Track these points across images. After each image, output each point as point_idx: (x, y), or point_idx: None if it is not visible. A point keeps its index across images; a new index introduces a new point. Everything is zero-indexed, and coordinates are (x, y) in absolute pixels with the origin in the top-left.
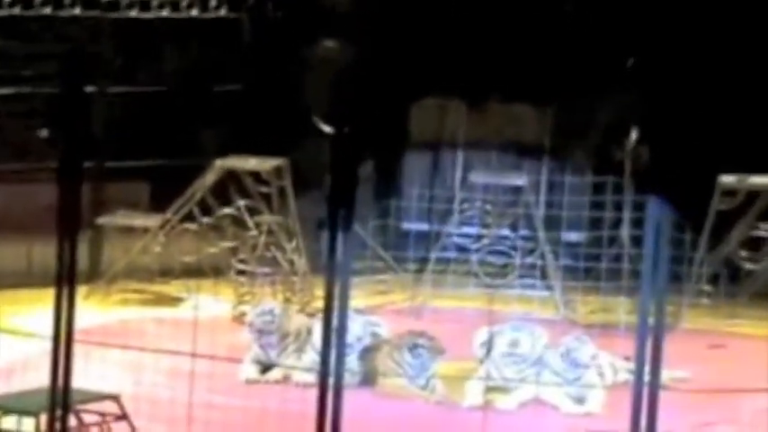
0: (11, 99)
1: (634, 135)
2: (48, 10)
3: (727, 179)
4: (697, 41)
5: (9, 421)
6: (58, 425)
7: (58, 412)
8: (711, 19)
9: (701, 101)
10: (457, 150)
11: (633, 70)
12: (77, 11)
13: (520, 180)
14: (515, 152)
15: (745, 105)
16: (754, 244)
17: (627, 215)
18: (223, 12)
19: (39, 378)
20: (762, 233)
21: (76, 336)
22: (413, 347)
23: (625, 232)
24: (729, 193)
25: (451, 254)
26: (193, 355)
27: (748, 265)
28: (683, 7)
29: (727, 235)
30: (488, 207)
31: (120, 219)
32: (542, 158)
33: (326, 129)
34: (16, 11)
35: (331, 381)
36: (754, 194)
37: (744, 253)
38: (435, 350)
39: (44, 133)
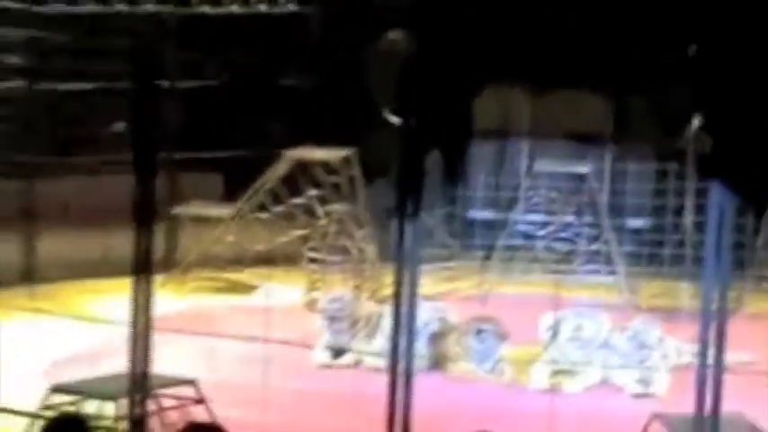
0: (87, 94)
1: (696, 122)
2: (122, 6)
3: None
4: (760, 27)
5: (91, 405)
6: (137, 409)
7: (138, 397)
8: None
9: (763, 87)
10: (522, 139)
11: (695, 57)
12: (151, 7)
13: (584, 168)
14: (579, 140)
15: None
16: None
17: (690, 202)
18: (292, 6)
19: (118, 364)
20: None
21: (154, 323)
22: (478, 333)
23: (688, 219)
24: None
25: (517, 241)
26: (266, 340)
27: None
28: None
29: None
30: (553, 195)
31: (195, 209)
32: (606, 146)
33: (394, 120)
34: (92, 7)
35: (401, 365)
36: None
37: None
38: (500, 335)
39: (119, 127)
